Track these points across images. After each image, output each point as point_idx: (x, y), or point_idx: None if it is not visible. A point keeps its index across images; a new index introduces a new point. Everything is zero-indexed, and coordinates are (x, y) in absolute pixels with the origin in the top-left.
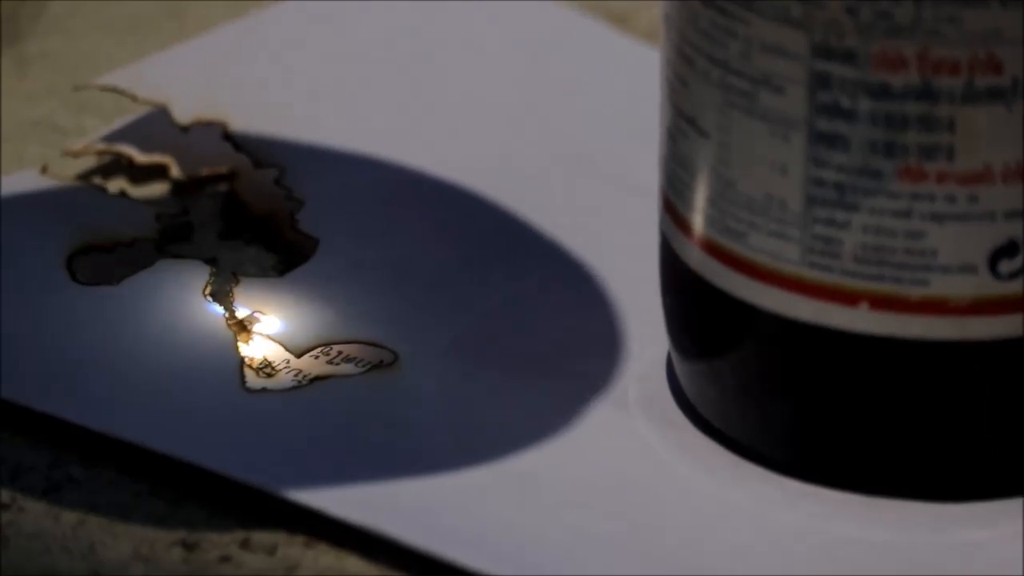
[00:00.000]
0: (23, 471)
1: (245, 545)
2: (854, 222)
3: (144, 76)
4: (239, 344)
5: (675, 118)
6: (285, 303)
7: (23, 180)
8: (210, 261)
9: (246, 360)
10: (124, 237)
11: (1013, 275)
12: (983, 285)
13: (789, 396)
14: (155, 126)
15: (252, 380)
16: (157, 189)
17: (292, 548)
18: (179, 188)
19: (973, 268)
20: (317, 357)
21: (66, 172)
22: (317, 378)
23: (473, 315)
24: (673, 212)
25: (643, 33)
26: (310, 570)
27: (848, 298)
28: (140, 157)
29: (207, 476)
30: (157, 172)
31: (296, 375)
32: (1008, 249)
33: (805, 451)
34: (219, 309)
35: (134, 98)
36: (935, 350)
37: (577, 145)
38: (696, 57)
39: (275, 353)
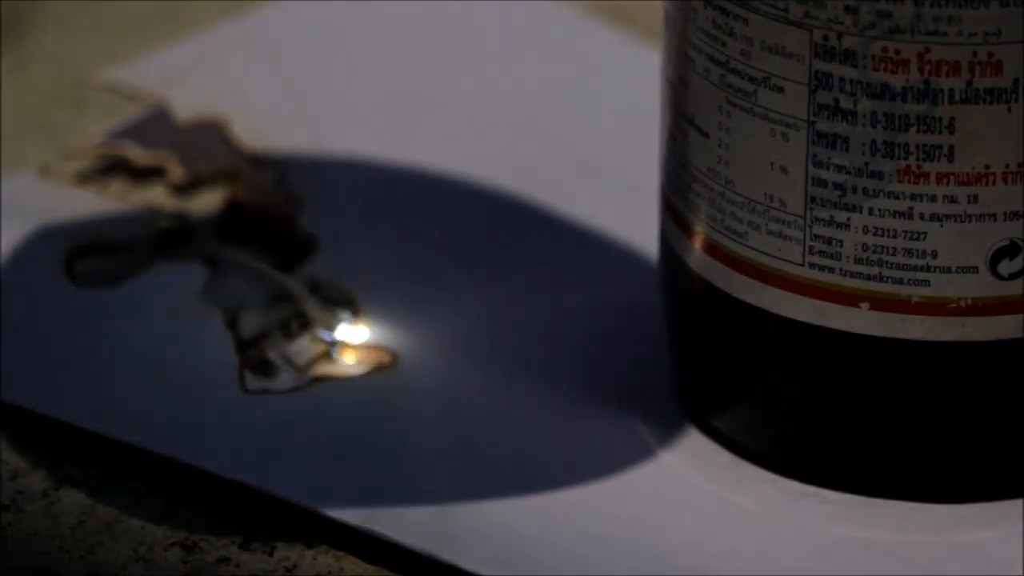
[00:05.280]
0: (23, 471)
1: (244, 546)
2: (854, 222)
3: (144, 75)
4: (239, 345)
5: (675, 118)
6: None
7: (23, 181)
8: (210, 262)
9: (246, 361)
10: (123, 238)
11: (1013, 276)
12: (983, 286)
13: (789, 396)
14: (155, 126)
15: (252, 381)
16: (157, 190)
17: (291, 549)
18: (179, 188)
19: (973, 268)
20: (317, 357)
21: (66, 172)
22: (317, 378)
23: (473, 315)
24: (673, 212)
25: (643, 33)
26: (308, 570)
27: (848, 298)
28: (140, 157)
29: (206, 477)
30: (157, 172)
31: (296, 375)
32: (1009, 249)
33: (805, 451)
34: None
35: (134, 96)
36: (935, 351)
37: (577, 145)
38: (696, 57)
39: (275, 353)
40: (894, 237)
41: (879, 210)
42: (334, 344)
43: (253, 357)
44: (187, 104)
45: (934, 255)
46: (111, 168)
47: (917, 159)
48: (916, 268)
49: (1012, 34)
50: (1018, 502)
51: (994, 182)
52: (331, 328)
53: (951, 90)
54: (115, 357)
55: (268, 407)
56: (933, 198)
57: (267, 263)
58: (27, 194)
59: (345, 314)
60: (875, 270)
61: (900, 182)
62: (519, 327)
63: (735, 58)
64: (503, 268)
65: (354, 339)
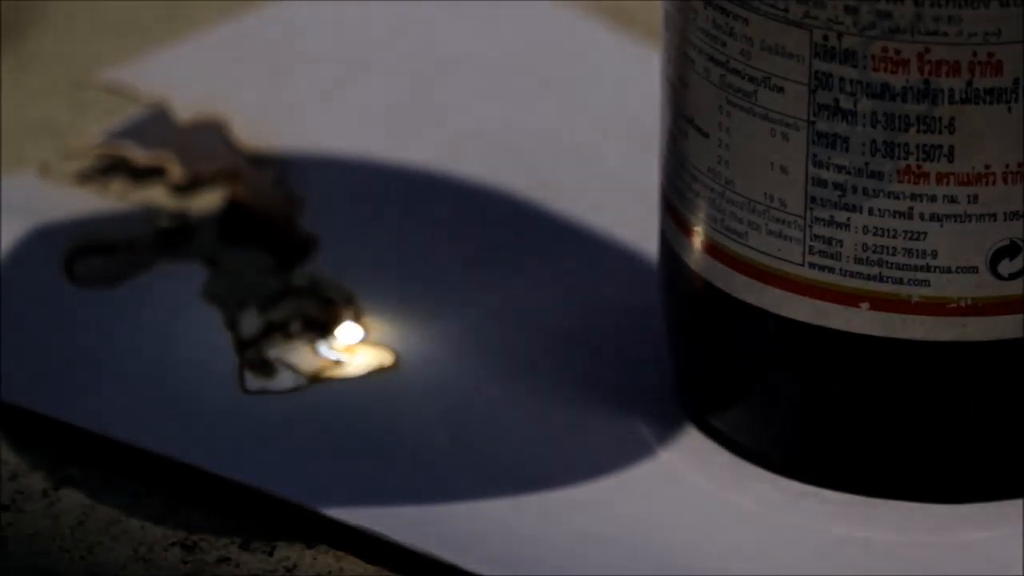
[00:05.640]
0: (23, 472)
1: (244, 546)
2: (854, 222)
3: (144, 74)
4: (239, 345)
5: (675, 118)
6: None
7: (23, 180)
8: (210, 262)
9: (246, 361)
10: (123, 238)
11: (1013, 276)
12: (983, 286)
13: (789, 396)
14: (155, 126)
15: (252, 381)
16: (157, 190)
17: (291, 549)
18: (179, 188)
19: (973, 268)
20: (317, 357)
21: (66, 172)
22: (317, 378)
23: (473, 315)
24: (673, 212)
25: (643, 33)
26: (308, 570)
27: (848, 298)
28: (140, 157)
29: (206, 477)
30: (157, 172)
31: (296, 375)
32: (1008, 249)
33: (805, 451)
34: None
35: (134, 96)
36: (935, 351)
37: (577, 145)
38: (696, 57)
39: (275, 353)
40: (894, 237)
41: (879, 210)
42: (334, 353)
43: (253, 357)
44: (187, 104)
45: (934, 255)
46: (111, 168)
47: (917, 159)
48: (916, 268)
49: (1012, 34)
50: (1018, 502)
51: (994, 182)
52: (331, 329)
53: (951, 90)
54: (115, 357)
55: (268, 407)
56: (933, 198)
57: (268, 262)
58: (27, 194)
59: (346, 314)
60: (875, 270)
61: (900, 182)
62: (519, 327)
63: (735, 58)
64: (503, 268)
65: (354, 339)
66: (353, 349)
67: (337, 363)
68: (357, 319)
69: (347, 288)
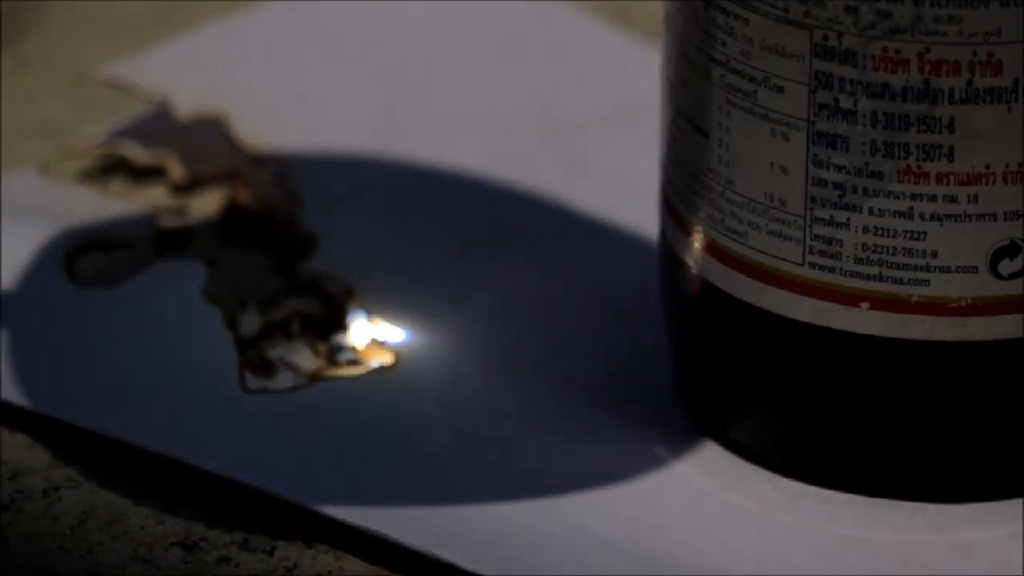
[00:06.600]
0: (23, 471)
1: (244, 545)
2: (854, 222)
3: (144, 72)
4: (239, 345)
5: (675, 118)
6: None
7: (23, 180)
8: (210, 261)
9: (246, 361)
10: (123, 238)
11: (1014, 275)
12: (984, 285)
13: (789, 396)
14: (155, 125)
15: (252, 380)
16: (157, 189)
17: (291, 549)
18: (179, 188)
19: (973, 268)
20: (317, 357)
21: (66, 172)
22: (317, 378)
23: (473, 314)
24: (673, 212)
25: (644, 33)
26: (308, 570)
27: (848, 298)
28: (140, 157)
29: (206, 477)
30: (157, 172)
31: (296, 375)
32: (1008, 249)
33: (806, 452)
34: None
35: (134, 93)
36: (935, 351)
37: (577, 145)
38: (696, 57)
39: (275, 353)
40: (894, 237)
41: (879, 210)
42: (336, 349)
43: (253, 357)
44: (187, 101)
45: (934, 255)
46: (111, 168)
47: (917, 159)
48: (916, 268)
49: (1012, 34)
50: (1018, 502)
51: (994, 182)
52: (331, 328)
53: (951, 90)
54: (115, 357)
55: (268, 407)
56: (933, 198)
57: (268, 262)
58: (28, 193)
59: (349, 313)
60: (875, 270)
61: (900, 182)
62: (520, 327)
63: (735, 58)
64: (505, 268)
65: (355, 339)
66: (352, 348)
67: (338, 363)
68: (357, 315)
69: (348, 285)
